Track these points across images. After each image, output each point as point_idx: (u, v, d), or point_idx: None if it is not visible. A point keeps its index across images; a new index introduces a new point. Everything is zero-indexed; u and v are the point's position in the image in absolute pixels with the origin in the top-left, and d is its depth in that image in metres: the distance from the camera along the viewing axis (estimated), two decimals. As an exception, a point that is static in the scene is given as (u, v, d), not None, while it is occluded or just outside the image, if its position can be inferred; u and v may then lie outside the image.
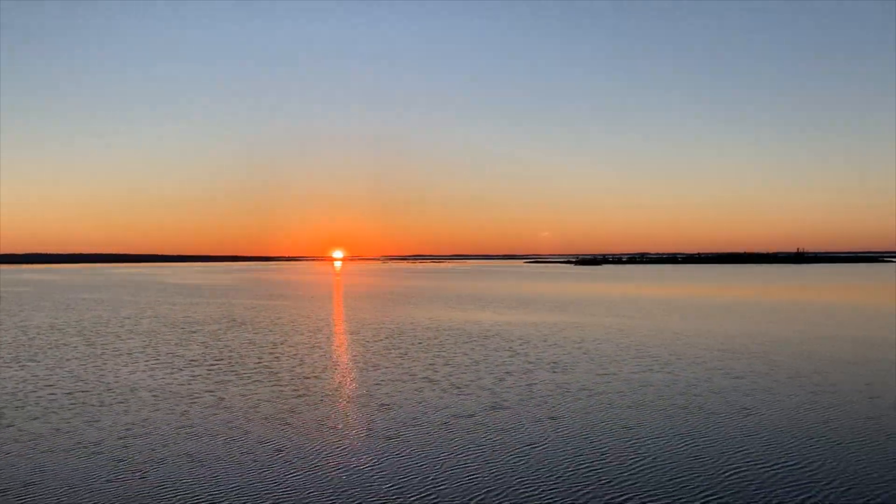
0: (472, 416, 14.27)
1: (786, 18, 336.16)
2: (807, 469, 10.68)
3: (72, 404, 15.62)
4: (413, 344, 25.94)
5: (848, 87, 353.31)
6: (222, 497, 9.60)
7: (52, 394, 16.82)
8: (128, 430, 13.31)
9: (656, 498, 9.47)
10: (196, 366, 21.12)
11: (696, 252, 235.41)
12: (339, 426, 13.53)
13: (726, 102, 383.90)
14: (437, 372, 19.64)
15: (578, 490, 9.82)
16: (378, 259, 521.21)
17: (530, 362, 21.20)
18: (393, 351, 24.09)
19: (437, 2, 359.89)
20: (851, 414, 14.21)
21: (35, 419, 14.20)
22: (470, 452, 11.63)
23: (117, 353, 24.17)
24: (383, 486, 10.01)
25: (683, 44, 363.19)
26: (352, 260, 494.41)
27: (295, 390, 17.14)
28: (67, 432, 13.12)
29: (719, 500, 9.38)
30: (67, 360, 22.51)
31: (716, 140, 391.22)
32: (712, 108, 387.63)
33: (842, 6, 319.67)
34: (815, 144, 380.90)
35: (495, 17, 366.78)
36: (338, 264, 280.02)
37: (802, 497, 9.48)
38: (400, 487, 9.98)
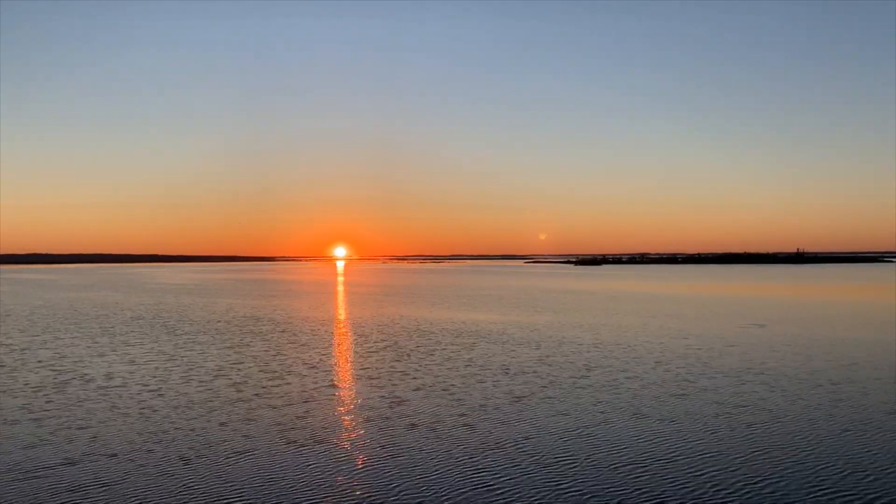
0: (468, 417, 14.77)
1: (786, 17, 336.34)
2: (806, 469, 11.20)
3: (61, 399, 16.16)
4: (417, 345, 26.44)
5: (848, 87, 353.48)
6: (212, 498, 9.97)
7: (32, 385, 17.37)
8: (111, 426, 13.84)
9: (653, 497, 9.99)
10: (185, 364, 21.65)
11: (696, 252, 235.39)
12: (334, 427, 14.01)
13: (726, 102, 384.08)
14: (438, 374, 20.15)
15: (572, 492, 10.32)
16: (379, 259, 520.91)
17: (530, 361, 21.74)
18: (394, 352, 24.57)
19: (440, 2, 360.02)
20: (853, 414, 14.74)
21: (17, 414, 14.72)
22: (466, 454, 12.11)
23: (102, 348, 24.69)
24: (377, 489, 10.47)
25: (683, 43, 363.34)
26: (352, 260, 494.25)
27: (287, 389, 17.65)
28: (51, 429, 13.65)
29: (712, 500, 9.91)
30: (54, 354, 23.02)
31: (715, 140, 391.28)
32: (712, 108, 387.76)
33: (842, 6, 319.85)
34: (815, 144, 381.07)
35: (497, 18, 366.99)
36: (340, 264, 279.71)
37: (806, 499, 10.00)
38: (395, 490, 10.43)
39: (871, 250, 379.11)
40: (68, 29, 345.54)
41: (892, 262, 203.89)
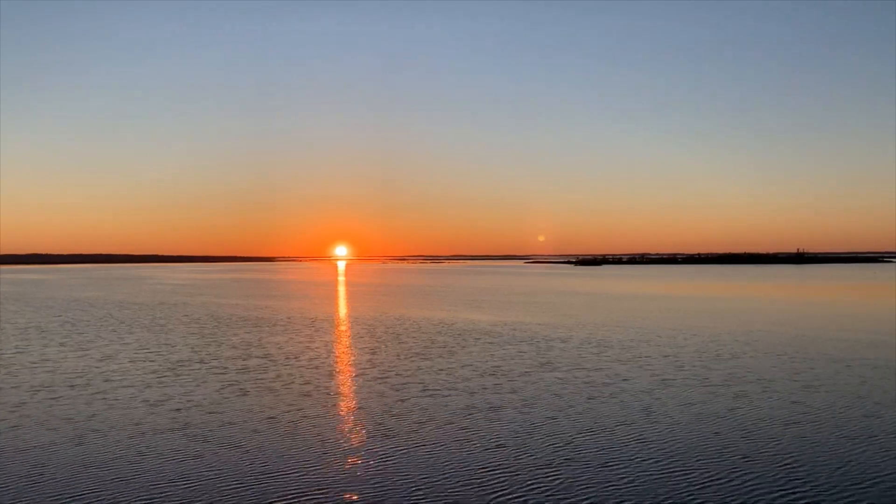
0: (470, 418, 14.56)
1: (785, 17, 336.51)
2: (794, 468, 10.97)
3: (56, 397, 15.95)
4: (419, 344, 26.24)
5: (848, 87, 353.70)
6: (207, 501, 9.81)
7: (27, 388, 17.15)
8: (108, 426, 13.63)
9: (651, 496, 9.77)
10: (179, 365, 21.45)
11: (696, 253, 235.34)
12: (328, 426, 13.80)
13: (726, 102, 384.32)
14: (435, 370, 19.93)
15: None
16: (379, 259, 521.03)
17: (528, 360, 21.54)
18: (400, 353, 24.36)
19: (440, 2, 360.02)
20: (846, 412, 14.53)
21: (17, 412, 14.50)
22: (463, 455, 11.90)
23: (98, 349, 24.47)
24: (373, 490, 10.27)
25: (684, 43, 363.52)
26: (352, 260, 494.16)
27: (282, 387, 17.45)
28: (52, 429, 13.43)
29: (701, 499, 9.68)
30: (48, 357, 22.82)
31: (716, 140, 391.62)
32: (712, 108, 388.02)
33: (842, 5, 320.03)
34: (815, 144, 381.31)
35: (497, 20, 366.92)
36: (341, 265, 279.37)
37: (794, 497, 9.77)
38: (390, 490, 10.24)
39: (871, 250, 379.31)
40: (69, 30, 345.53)
41: (892, 262, 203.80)
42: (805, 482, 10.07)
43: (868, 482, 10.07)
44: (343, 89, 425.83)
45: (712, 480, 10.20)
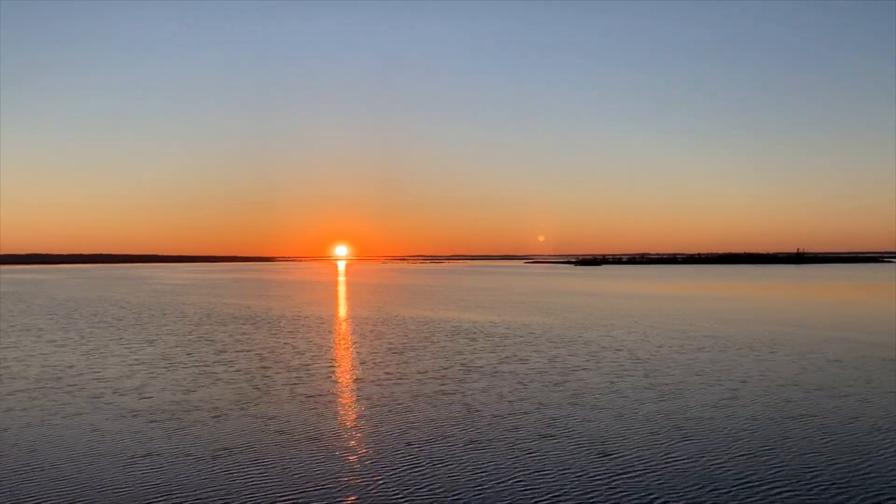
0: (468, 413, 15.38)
1: (785, 17, 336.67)
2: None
3: (40, 397, 16.80)
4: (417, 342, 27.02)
5: (848, 87, 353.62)
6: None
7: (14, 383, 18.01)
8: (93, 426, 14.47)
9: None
10: (160, 358, 22.29)
11: (696, 253, 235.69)
12: (332, 424, 14.61)
13: (726, 102, 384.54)
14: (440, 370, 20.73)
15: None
16: (379, 259, 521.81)
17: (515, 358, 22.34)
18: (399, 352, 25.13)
19: (440, 2, 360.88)
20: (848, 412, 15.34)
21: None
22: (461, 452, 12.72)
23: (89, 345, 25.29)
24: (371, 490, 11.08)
25: (684, 43, 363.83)
26: (352, 260, 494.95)
27: (277, 387, 18.28)
28: (34, 427, 14.27)
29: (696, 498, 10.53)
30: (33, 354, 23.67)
31: (716, 140, 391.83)
32: (712, 108, 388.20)
33: (842, 5, 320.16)
34: (815, 144, 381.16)
35: (497, 20, 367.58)
36: (341, 265, 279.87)
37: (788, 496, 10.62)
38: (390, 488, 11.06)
39: (871, 250, 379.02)
40: (69, 30, 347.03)
41: (892, 262, 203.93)
42: (704, 458, 10.98)
43: (775, 460, 10.97)
44: (343, 89, 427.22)
45: (618, 454, 11.10)
